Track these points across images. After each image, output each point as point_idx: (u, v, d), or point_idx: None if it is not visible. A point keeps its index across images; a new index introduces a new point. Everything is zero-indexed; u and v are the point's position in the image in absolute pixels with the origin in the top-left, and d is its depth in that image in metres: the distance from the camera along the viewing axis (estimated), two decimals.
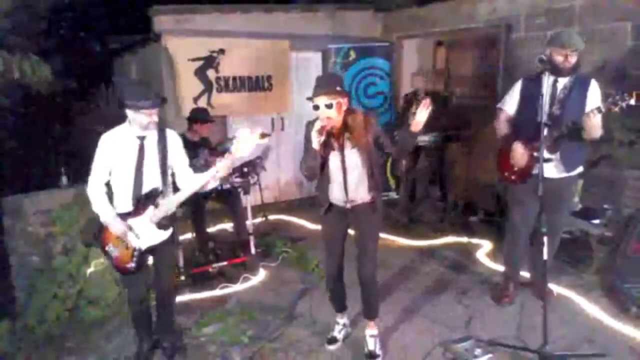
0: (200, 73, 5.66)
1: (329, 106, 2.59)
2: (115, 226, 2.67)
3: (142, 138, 2.70)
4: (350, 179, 2.72)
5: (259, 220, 5.39)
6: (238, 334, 3.29)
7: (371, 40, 6.60)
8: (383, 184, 2.79)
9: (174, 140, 2.83)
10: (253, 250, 4.40)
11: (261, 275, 4.23)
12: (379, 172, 2.81)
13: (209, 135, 4.58)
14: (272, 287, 4.02)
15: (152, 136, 2.73)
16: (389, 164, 5.96)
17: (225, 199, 4.51)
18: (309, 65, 6.34)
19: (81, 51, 8.16)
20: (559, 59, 3.00)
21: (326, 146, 2.66)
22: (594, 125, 2.92)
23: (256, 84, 6.03)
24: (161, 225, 2.74)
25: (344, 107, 2.67)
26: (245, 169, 4.50)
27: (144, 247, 2.73)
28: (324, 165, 2.73)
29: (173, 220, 2.85)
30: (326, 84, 2.65)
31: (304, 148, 2.74)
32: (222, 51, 5.71)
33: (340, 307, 3.16)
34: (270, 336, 3.26)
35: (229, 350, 3.13)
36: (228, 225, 5.11)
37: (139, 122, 2.63)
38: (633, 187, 3.87)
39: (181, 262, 4.09)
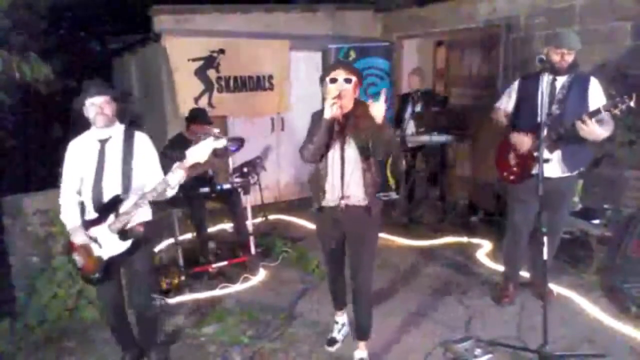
0: (200, 73, 5.66)
1: (348, 81, 2.50)
2: (76, 236, 2.60)
3: (103, 142, 2.61)
4: (347, 172, 2.56)
5: (259, 220, 5.39)
6: (238, 334, 3.29)
7: (371, 40, 6.60)
8: (382, 185, 2.66)
9: (142, 144, 2.67)
10: (253, 250, 4.40)
11: (261, 275, 4.22)
12: (378, 172, 2.64)
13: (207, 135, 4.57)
14: (272, 287, 4.02)
15: (116, 139, 2.63)
16: (389, 164, 5.98)
17: (225, 199, 4.50)
18: (309, 65, 6.33)
19: (81, 51, 8.16)
20: (555, 58, 3.02)
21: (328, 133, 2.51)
22: (590, 132, 2.91)
23: (257, 84, 6.03)
24: (122, 235, 2.57)
25: (356, 94, 2.58)
26: (245, 169, 4.50)
27: (105, 256, 2.61)
28: (322, 155, 2.57)
29: (144, 231, 2.66)
30: (346, 63, 2.62)
31: (307, 135, 2.59)
32: (222, 51, 5.71)
33: (340, 304, 3.12)
34: (270, 336, 3.26)
35: (229, 350, 3.13)
36: (228, 225, 5.11)
37: (89, 116, 2.58)
38: (633, 187, 3.87)
39: (181, 262, 4.09)
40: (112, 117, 2.61)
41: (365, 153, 2.54)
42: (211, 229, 4.92)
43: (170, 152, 3.88)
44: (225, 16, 5.83)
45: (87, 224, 2.61)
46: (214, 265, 4.20)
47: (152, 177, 2.62)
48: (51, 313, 3.49)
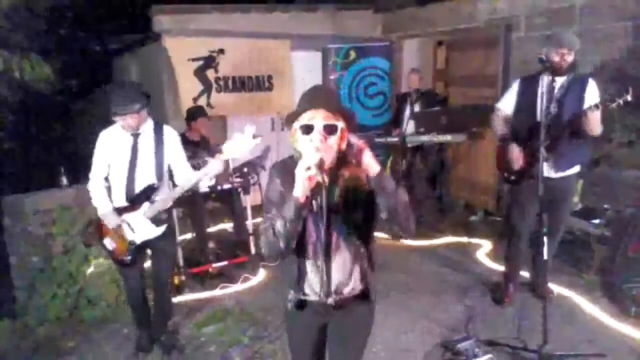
0: (199, 73, 5.67)
1: (331, 130, 1.59)
2: (110, 220, 2.77)
3: (136, 135, 2.76)
4: (335, 262, 1.71)
5: (259, 220, 5.38)
6: (238, 334, 3.30)
7: (371, 40, 6.60)
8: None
9: (171, 137, 2.85)
10: (253, 250, 4.40)
11: (261, 275, 4.23)
12: (374, 244, 1.81)
13: (208, 133, 4.59)
14: (272, 287, 4.02)
15: (147, 133, 2.79)
16: (389, 164, 5.98)
17: (225, 198, 4.51)
18: (309, 65, 6.33)
19: (81, 51, 8.16)
20: (555, 58, 3.03)
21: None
22: (592, 121, 2.94)
23: (256, 84, 6.03)
24: (156, 220, 2.78)
25: (344, 144, 1.64)
26: (245, 169, 4.50)
27: (138, 240, 2.80)
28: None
29: (169, 216, 2.89)
30: (327, 96, 1.67)
31: (264, 207, 1.73)
32: (222, 51, 5.72)
33: None
34: (270, 336, 3.26)
35: (229, 350, 3.13)
36: (228, 225, 5.11)
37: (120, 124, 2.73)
38: (633, 187, 3.87)
39: (181, 262, 4.09)
40: (139, 124, 2.73)
41: (360, 232, 1.72)
42: (211, 229, 4.93)
43: None
44: (225, 16, 5.83)
45: (119, 211, 2.78)
46: (214, 265, 4.20)
47: (181, 166, 2.85)
48: (51, 313, 3.50)
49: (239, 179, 4.42)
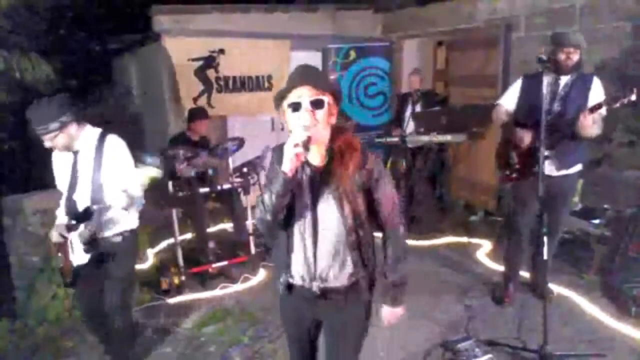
0: (200, 73, 5.67)
1: (318, 104, 1.63)
2: (53, 233, 2.60)
3: (76, 153, 2.57)
4: (322, 244, 1.71)
5: None
6: (238, 334, 3.30)
7: (371, 40, 6.60)
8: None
9: (112, 151, 2.56)
10: (253, 250, 4.40)
11: (261, 275, 4.22)
12: (371, 238, 1.80)
13: (207, 133, 4.59)
14: (272, 287, 4.01)
15: (87, 150, 2.56)
16: (389, 164, 5.98)
17: (225, 199, 4.51)
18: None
19: (81, 51, 8.15)
20: (561, 57, 3.03)
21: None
22: (586, 125, 2.93)
23: (256, 84, 6.03)
24: (88, 246, 2.50)
25: (333, 119, 1.71)
26: (245, 169, 4.50)
27: (75, 263, 2.61)
28: (285, 216, 1.71)
29: (122, 239, 2.66)
30: (312, 74, 1.70)
31: (265, 184, 1.76)
32: (222, 51, 5.72)
33: None
34: (271, 336, 3.26)
35: (229, 350, 3.13)
36: (228, 225, 5.11)
37: None
38: (633, 187, 3.87)
39: (181, 262, 4.09)
40: (69, 143, 2.52)
41: (352, 214, 1.70)
42: (211, 229, 4.92)
43: (171, 151, 3.89)
44: (225, 16, 5.83)
45: (69, 227, 2.56)
46: (214, 265, 4.20)
47: (119, 184, 2.55)
48: (51, 313, 3.50)
49: (238, 179, 4.42)
